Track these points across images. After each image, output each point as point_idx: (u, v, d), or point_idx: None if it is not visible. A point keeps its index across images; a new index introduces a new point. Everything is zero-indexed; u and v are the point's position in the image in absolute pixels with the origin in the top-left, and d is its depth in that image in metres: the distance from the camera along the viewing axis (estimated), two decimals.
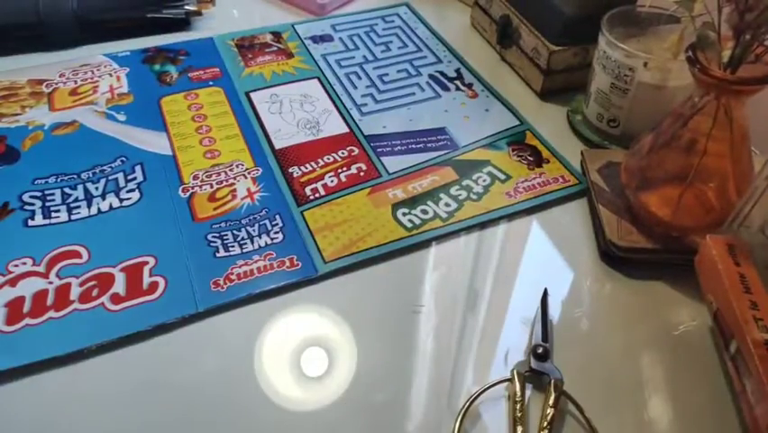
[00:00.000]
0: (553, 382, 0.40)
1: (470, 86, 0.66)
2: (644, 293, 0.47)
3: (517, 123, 0.61)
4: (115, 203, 0.52)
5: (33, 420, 0.39)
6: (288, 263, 0.47)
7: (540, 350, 0.42)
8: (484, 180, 0.55)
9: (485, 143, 0.59)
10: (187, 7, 0.72)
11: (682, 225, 0.47)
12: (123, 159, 0.56)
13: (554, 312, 0.45)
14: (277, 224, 0.50)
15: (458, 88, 0.66)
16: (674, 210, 0.47)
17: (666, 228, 0.47)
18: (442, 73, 0.68)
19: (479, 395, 0.40)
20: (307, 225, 0.50)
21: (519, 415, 0.38)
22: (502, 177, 0.55)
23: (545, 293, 0.46)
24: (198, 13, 0.73)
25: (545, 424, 0.38)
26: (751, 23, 0.39)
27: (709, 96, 0.43)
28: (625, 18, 0.56)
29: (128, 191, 0.53)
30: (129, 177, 0.54)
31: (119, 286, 0.45)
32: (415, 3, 0.80)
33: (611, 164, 0.53)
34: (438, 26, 0.75)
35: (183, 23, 0.73)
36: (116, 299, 0.44)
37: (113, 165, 0.55)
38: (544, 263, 0.49)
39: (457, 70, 0.68)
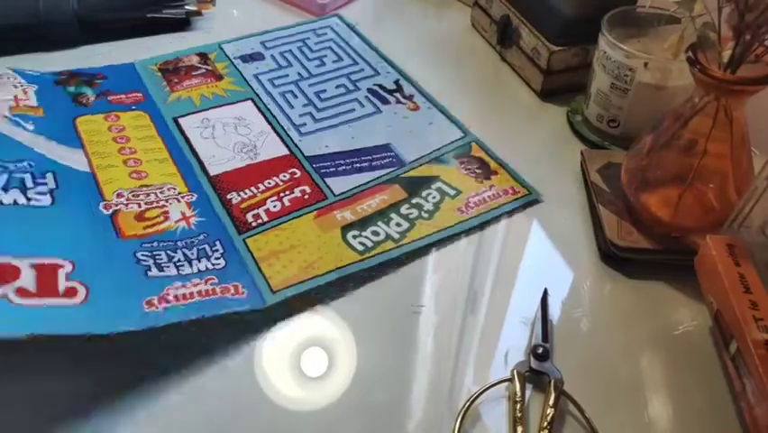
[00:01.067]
0: (552, 382, 0.40)
1: (410, 97, 0.64)
2: (644, 293, 0.47)
3: (462, 135, 0.59)
4: (21, 199, 0.47)
5: None
6: (232, 290, 0.44)
7: (540, 350, 0.42)
8: (434, 197, 0.53)
9: (431, 158, 0.56)
10: (187, 7, 0.72)
11: (682, 226, 0.47)
12: (31, 163, 0.50)
13: (554, 312, 0.45)
14: (217, 249, 0.47)
15: (398, 101, 0.63)
16: (674, 211, 0.47)
17: (666, 229, 0.47)
18: (380, 86, 0.65)
19: (479, 395, 0.40)
20: (251, 253, 0.47)
21: (519, 415, 0.38)
22: (452, 192, 0.53)
23: (545, 293, 0.46)
24: (198, 14, 0.73)
25: (545, 424, 0.38)
26: (751, 24, 0.39)
27: (709, 96, 0.43)
28: (625, 18, 0.56)
29: (37, 193, 0.48)
30: (38, 180, 0.49)
31: (27, 281, 0.40)
32: (415, 3, 0.80)
33: (611, 165, 0.53)
34: (437, 26, 0.75)
35: (183, 24, 0.73)
36: (23, 292, 0.39)
37: (17, 164, 0.50)
38: (544, 263, 0.49)
39: (396, 81, 0.65)
